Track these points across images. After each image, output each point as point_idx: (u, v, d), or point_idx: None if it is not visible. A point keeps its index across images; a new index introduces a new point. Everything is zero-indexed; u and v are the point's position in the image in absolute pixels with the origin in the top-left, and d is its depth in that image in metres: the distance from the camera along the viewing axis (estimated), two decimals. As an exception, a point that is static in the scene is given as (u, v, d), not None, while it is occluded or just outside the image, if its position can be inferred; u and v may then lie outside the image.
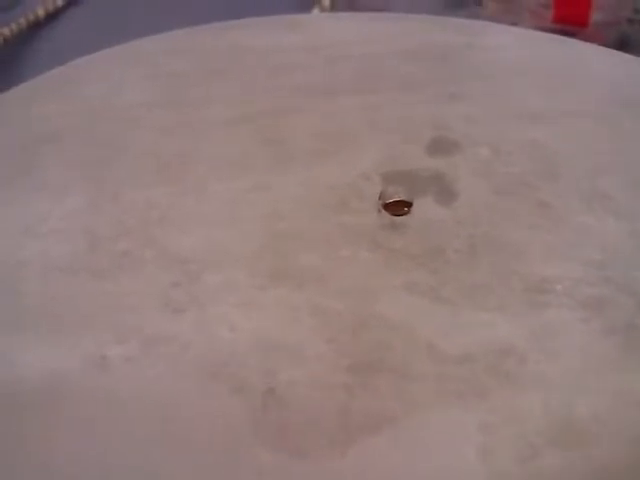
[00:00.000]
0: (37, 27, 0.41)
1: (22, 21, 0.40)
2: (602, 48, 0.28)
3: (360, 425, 0.15)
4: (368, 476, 0.14)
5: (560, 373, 0.16)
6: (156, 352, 0.16)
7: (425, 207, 0.20)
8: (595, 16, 0.40)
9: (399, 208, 0.20)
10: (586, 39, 0.39)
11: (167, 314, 0.17)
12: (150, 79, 0.25)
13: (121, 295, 0.17)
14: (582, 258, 0.18)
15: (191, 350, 0.16)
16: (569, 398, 0.15)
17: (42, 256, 0.19)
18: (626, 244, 0.19)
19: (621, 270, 0.18)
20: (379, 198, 0.20)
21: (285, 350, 0.16)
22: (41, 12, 0.42)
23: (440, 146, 0.22)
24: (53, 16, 0.43)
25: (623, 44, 0.39)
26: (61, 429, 0.15)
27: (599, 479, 0.14)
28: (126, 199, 0.20)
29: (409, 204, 0.20)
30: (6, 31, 0.39)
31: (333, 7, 0.40)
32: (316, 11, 0.38)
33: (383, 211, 0.20)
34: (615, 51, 0.28)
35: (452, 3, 0.44)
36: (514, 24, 0.41)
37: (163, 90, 0.25)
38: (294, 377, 0.16)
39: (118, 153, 0.22)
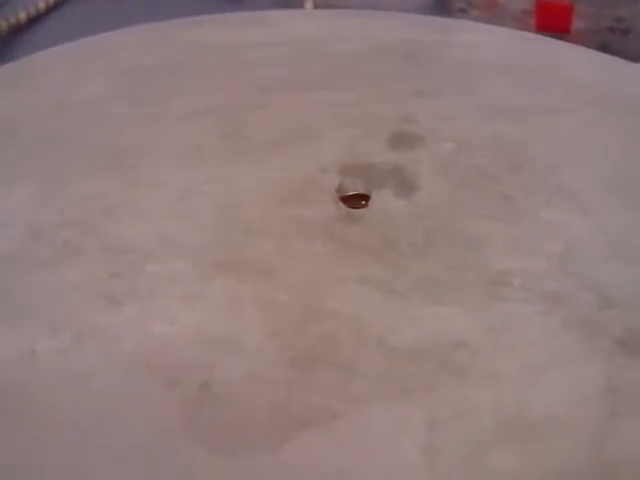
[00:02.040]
0: (18, 31, 0.41)
1: (3, 24, 0.40)
2: (576, 47, 0.28)
3: (297, 421, 0.14)
4: (300, 473, 0.13)
5: (514, 368, 0.15)
6: (89, 345, 0.15)
7: (384, 200, 0.19)
8: (577, 24, 0.40)
9: (357, 201, 0.20)
10: (568, 46, 0.39)
11: (104, 305, 0.16)
12: (111, 73, 0.25)
13: (59, 286, 0.17)
14: (543, 252, 0.18)
15: (126, 343, 0.15)
16: (522, 394, 0.15)
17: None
18: (588, 239, 0.18)
19: (582, 265, 0.17)
20: (336, 190, 0.20)
21: (225, 343, 0.15)
22: (23, 16, 0.41)
23: (403, 141, 0.21)
24: (35, 20, 0.42)
25: (604, 52, 0.39)
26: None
27: (552, 479, 0.13)
28: (73, 191, 0.19)
29: (367, 197, 0.20)
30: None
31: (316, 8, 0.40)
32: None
33: (340, 204, 0.19)
34: (589, 49, 0.27)
35: (437, 10, 0.44)
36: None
37: (123, 84, 0.24)
38: (232, 371, 0.15)
39: (71, 146, 0.21)
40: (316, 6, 0.41)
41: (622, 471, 0.14)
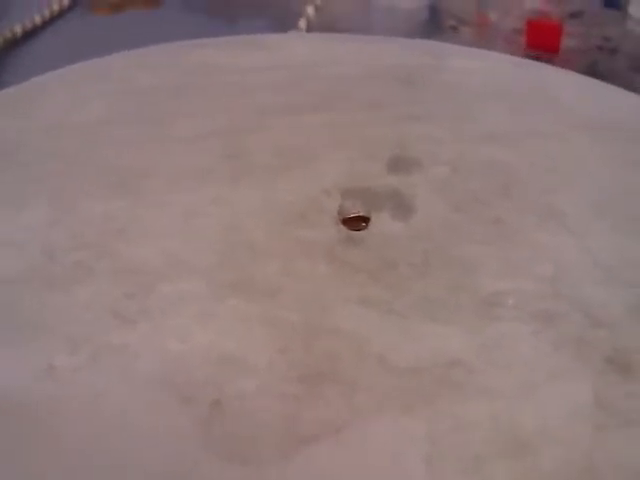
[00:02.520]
0: (14, 45, 0.41)
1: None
2: (567, 72, 0.29)
3: (307, 434, 0.15)
4: (309, 482, 0.14)
5: (508, 384, 0.16)
6: (105, 363, 0.16)
7: (382, 222, 0.20)
8: (566, 43, 0.41)
9: (357, 223, 0.20)
10: (558, 65, 0.40)
11: (118, 324, 0.17)
12: (113, 95, 0.25)
13: (73, 306, 0.17)
14: (534, 273, 0.19)
15: (140, 361, 0.16)
16: (516, 409, 0.15)
17: (-5, 267, 0.19)
18: (578, 260, 0.19)
19: (572, 285, 0.18)
20: (337, 213, 0.20)
21: (236, 361, 0.16)
22: (18, 30, 0.42)
23: (400, 164, 0.22)
24: (30, 34, 0.43)
25: (593, 70, 0.40)
26: (4, 438, 0.15)
27: (544, 490, 0.14)
28: (83, 212, 0.20)
29: (367, 219, 0.20)
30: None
31: (310, 30, 0.41)
32: (292, 33, 0.38)
33: (341, 225, 0.20)
34: (580, 75, 0.28)
35: (428, 29, 0.45)
36: (489, 49, 0.42)
37: (125, 106, 0.25)
38: (243, 387, 0.16)
39: (77, 168, 0.22)
40: (309, 26, 0.41)
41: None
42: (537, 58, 0.41)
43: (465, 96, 0.26)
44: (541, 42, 0.41)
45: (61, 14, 0.45)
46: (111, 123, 0.24)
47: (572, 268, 0.19)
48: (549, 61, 0.40)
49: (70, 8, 0.45)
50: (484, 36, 0.43)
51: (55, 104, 0.25)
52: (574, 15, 0.43)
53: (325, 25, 0.42)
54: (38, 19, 0.43)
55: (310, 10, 0.41)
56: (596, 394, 0.16)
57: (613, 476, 0.15)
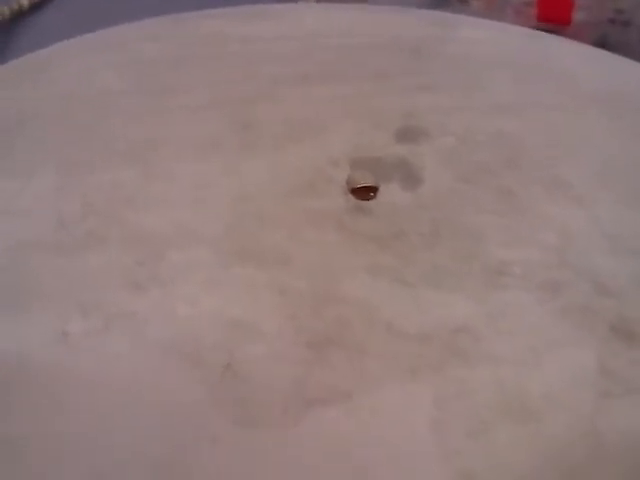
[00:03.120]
0: (21, 17, 0.41)
1: (5, 10, 0.40)
2: (576, 43, 0.28)
3: (315, 398, 0.15)
4: (318, 444, 0.14)
5: (513, 351, 0.16)
6: (117, 328, 0.16)
7: (391, 192, 0.20)
8: (577, 16, 0.41)
9: (365, 193, 0.21)
10: (569, 38, 0.40)
11: (129, 291, 0.17)
12: (123, 66, 0.25)
13: (85, 273, 0.18)
14: (541, 243, 0.19)
15: (152, 326, 0.16)
16: (521, 375, 0.16)
17: (8, 235, 0.19)
18: (585, 230, 0.19)
19: (579, 255, 0.18)
20: (346, 183, 0.21)
21: (245, 326, 0.16)
22: (25, 1, 0.42)
23: (408, 134, 0.22)
24: (37, 6, 0.43)
25: (604, 43, 0.40)
26: (23, 403, 0.15)
27: (549, 454, 0.15)
28: (94, 180, 0.20)
29: (375, 189, 0.21)
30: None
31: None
32: (302, 3, 0.38)
33: (349, 195, 0.20)
34: (589, 46, 0.28)
35: (437, 0, 0.44)
36: (498, 21, 0.41)
37: (135, 77, 0.25)
38: (252, 352, 0.16)
39: (88, 136, 0.22)
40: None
41: (612, 445, 0.15)
42: (547, 31, 0.41)
43: (473, 66, 0.26)
44: (552, 14, 0.41)
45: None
46: (121, 93, 0.24)
47: (579, 238, 0.19)
48: (559, 34, 0.40)
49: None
50: (493, 8, 0.43)
51: (65, 75, 0.25)
52: (585, -14, 0.42)
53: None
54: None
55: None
56: (600, 361, 0.16)
57: (616, 442, 0.15)
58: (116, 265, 0.18)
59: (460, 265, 0.18)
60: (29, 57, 0.26)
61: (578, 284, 0.18)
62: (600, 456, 0.15)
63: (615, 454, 0.15)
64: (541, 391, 0.15)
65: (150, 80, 0.24)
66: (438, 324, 0.17)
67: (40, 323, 0.17)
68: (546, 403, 0.15)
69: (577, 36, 0.40)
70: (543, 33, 0.29)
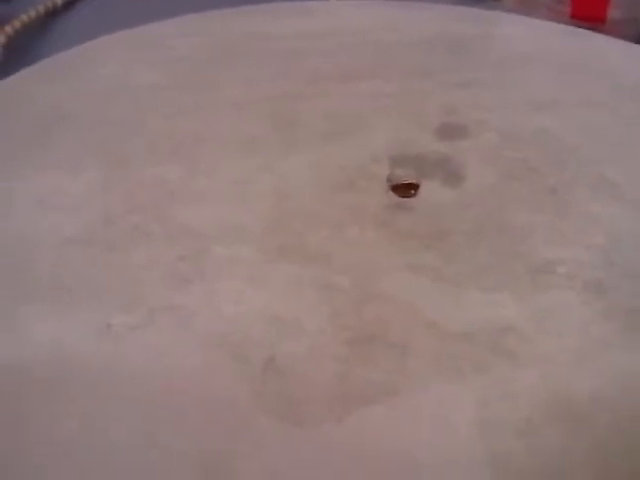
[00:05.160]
0: (54, 15, 0.42)
1: (40, 8, 0.41)
2: (615, 40, 0.28)
3: (357, 395, 0.15)
4: (363, 443, 0.14)
5: (559, 352, 0.16)
6: (161, 321, 0.16)
7: (432, 190, 0.20)
8: (613, 13, 0.40)
9: (407, 190, 0.20)
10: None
11: (174, 285, 0.17)
12: (162, 62, 0.26)
13: (130, 267, 0.18)
14: (586, 243, 0.19)
15: (196, 320, 0.16)
16: (567, 376, 0.15)
17: (54, 229, 0.19)
18: (631, 230, 0.19)
19: (625, 255, 0.18)
20: (387, 180, 0.21)
21: (288, 323, 0.16)
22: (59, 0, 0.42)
23: (449, 131, 0.22)
24: (71, 4, 0.43)
25: (640, 41, 0.39)
26: (68, 395, 0.15)
27: (595, 456, 0.14)
28: (138, 176, 0.20)
29: (416, 186, 0.20)
30: (24, 18, 0.39)
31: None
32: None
33: (390, 192, 0.20)
34: (628, 43, 0.28)
35: (471, -1, 0.44)
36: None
37: (175, 73, 0.25)
38: (295, 348, 0.16)
39: (130, 132, 0.22)
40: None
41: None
42: (581, 28, 0.40)
43: (513, 64, 0.26)
44: (586, 12, 0.40)
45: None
46: (161, 89, 0.24)
47: (625, 238, 0.19)
48: (594, 31, 0.40)
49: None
50: (526, 5, 0.42)
51: (105, 71, 0.25)
52: (621, -16, 0.42)
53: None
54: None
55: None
56: (648, 364, 0.16)
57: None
58: (160, 259, 0.18)
59: (504, 264, 0.18)
60: (68, 53, 0.26)
61: (624, 285, 0.17)
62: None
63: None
64: (587, 392, 0.15)
65: (190, 77, 0.25)
66: (482, 324, 0.16)
67: (85, 317, 0.17)
68: (593, 405, 0.15)
69: (612, 34, 0.40)
70: (581, 30, 0.29)
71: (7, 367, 0.16)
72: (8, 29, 0.37)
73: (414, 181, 0.21)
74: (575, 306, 0.17)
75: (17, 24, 0.37)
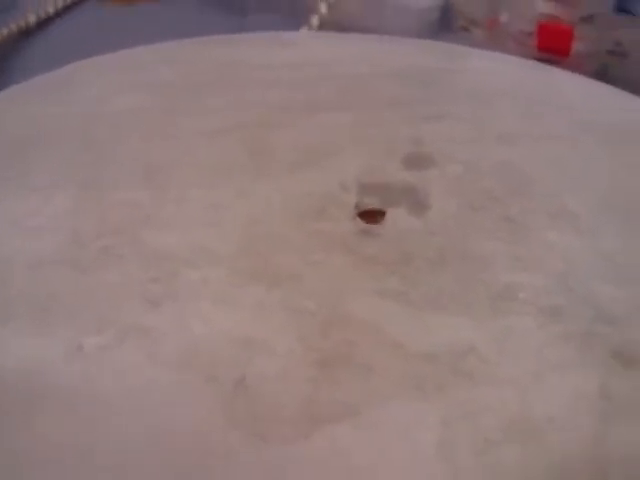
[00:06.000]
0: (27, 34, 0.42)
1: (13, 27, 0.41)
2: (578, 76, 0.29)
3: (324, 414, 0.15)
4: (328, 460, 0.15)
5: (517, 374, 0.17)
6: (131, 342, 0.17)
7: (398, 217, 0.21)
8: (577, 47, 0.41)
9: (373, 217, 0.21)
10: (568, 68, 0.41)
11: (144, 307, 0.18)
12: (141, 87, 0.26)
13: (101, 288, 0.18)
14: (544, 269, 0.19)
15: (166, 341, 0.17)
16: (525, 397, 0.16)
17: (27, 251, 0.19)
18: (587, 258, 0.20)
19: (581, 282, 0.19)
20: (355, 207, 0.21)
21: (257, 345, 0.17)
22: (32, 18, 0.43)
23: (416, 161, 0.23)
24: (44, 23, 0.43)
25: (603, 74, 0.41)
26: (38, 415, 0.16)
27: (552, 474, 0.15)
28: (111, 199, 0.21)
29: (383, 213, 0.21)
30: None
31: (321, 27, 0.41)
32: (304, 30, 0.39)
33: (357, 219, 0.21)
34: (589, 79, 0.29)
35: (439, 29, 0.45)
36: (499, 50, 0.42)
37: (153, 99, 0.25)
38: (264, 369, 0.16)
39: (106, 156, 0.23)
40: (321, 23, 0.42)
41: (611, 467, 0.15)
42: (547, 61, 0.41)
43: (480, 97, 0.27)
44: (552, 45, 0.42)
45: (74, 5, 0.45)
46: (138, 114, 0.24)
47: (582, 265, 0.19)
48: (559, 64, 0.41)
49: (81, -1, 0.46)
50: (495, 37, 0.43)
51: (84, 94, 0.25)
52: (585, 19, 0.43)
53: (336, 22, 0.43)
54: (52, 9, 0.44)
55: (323, 7, 0.42)
56: (601, 386, 0.16)
57: (616, 464, 0.15)
58: (131, 282, 0.18)
59: (465, 289, 0.19)
60: (47, 75, 0.27)
61: (580, 310, 0.18)
62: None
63: (612, 472, 0.15)
64: (544, 413, 0.16)
65: (166, 102, 0.25)
66: (445, 346, 0.17)
67: (57, 338, 0.17)
68: (548, 425, 0.16)
69: (576, 67, 0.41)
70: (547, 66, 0.30)
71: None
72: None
73: (381, 208, 0.21)
74: (533, 330, 0.18)
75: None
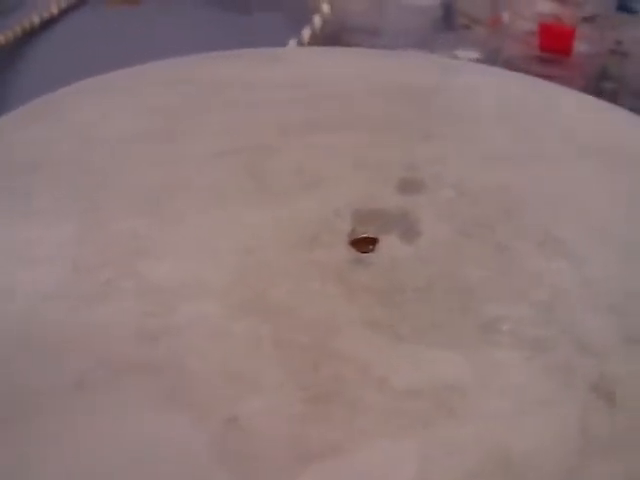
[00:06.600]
0: (32, 35, 0.42)
1: (17, 28, 0.41)
2: (573, 92, 0.29)
3: (311, 453, 0.16)
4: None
5: (500, 409, 0.17)
6: (125, 379, 0.17)
7: (391, 245, 0.22)
8: (578, 46, 0.42)
9: (365, 245, 0.22)
10: (569, 68, 0.41)
11: (139, 342, 0.18)
12: (136, 111, 0.27)
13: (98, 323, 0.19)
14: (530, 299, 0.20)
15: (159, 378, 0.17)
16: (506, 432, 0.17)
17: (24, 283, 0.20)
18: (574, 287, 0.20)
19: (566, 312, 0.19)
20: (349, 234, 0.22)
21: (247, 380, 0.17)
22: (36, 19, 0.43)
23: (408, 186, 0.23)
24: (48, 24, 0.44)
25: (604, 74, 0.41)
26: (33, 446, 0.16)
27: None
28: (110, 229, 0.21)
29: (375, 241, 0.22)
30: (0, 38, 0.40)
31: (324, 27, 0.41)
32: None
33: (350, 247, 0.21)
34: (586, 95, 0.29)
35: (441, 27, 0.46)
36: (500, 49, 0.42)
37: (149, 122, 0.26)
38: (254, 406, 0.17)
39: (105, 183, 0.23)
40: (324, 22, 0.42)
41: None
42: (549, 60, 0.42)
43: (473, 116, 0.27)
44: (554, 45, 0.42)
45: (76, 7, 0.46)
46: (134, 139, 0.25)
47: (568, 295, 0.20)
48: (561, 63, 0.42)
49: (84, 1, 0.46)
50: (496, 36, 0.44)
51: (80, 118, 0.26)
52: (587, 19, 0.43)
53: (338, 22, 0.43)
54: (55, 10, 0.44)
55: (325, 7, 0.42)
56: (580, 421, 0.17)
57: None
58: (128, 316, 0.19)
59: (452, 321, 0.19)
60: (44, 98, 0.27)
61: (562, 342, 0.19)
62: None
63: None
64: (524, 449, 0.16)
65: (162, 126, 0.26)
66: (429, 380, 0.18)
67: (54, 371, 0.18)
68: (528, 461, 0.16)
69: (578, 66, 0.41)
70: (543, 81, 0.30)
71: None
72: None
73: (373, 236, 0.22)
74: (516, 364, 0.18)
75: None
